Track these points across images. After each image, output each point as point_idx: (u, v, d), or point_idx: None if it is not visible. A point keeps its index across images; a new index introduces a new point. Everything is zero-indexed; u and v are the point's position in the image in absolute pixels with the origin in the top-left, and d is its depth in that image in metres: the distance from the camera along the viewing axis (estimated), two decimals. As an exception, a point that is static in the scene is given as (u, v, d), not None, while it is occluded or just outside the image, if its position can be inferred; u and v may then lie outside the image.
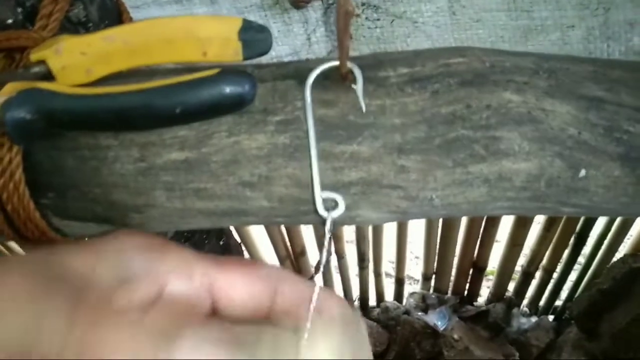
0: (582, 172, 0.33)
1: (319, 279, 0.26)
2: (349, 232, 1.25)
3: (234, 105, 0.31)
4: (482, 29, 0.42)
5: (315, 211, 0.31)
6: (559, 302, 1.43)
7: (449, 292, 1.39)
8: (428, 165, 0.32)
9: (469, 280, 1.34)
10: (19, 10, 0.36)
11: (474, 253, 1.23)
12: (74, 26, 0.39)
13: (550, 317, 1.43)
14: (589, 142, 0.32)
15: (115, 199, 0.34)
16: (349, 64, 0.32)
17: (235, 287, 0.24)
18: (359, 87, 0.31)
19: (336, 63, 0.32)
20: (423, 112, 0.32)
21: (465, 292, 1.40)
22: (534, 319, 1.41)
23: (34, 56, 0.33)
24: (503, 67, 0.33)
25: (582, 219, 1.10)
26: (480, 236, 1.18)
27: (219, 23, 0.33)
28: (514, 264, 1.24)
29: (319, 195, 0.28)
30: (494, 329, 1.36)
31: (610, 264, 1.24)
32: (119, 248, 0.24)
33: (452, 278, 1.34)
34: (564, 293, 1.40)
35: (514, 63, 0.34)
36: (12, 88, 0.32)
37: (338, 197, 0.28)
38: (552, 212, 0.35)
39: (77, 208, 0.35)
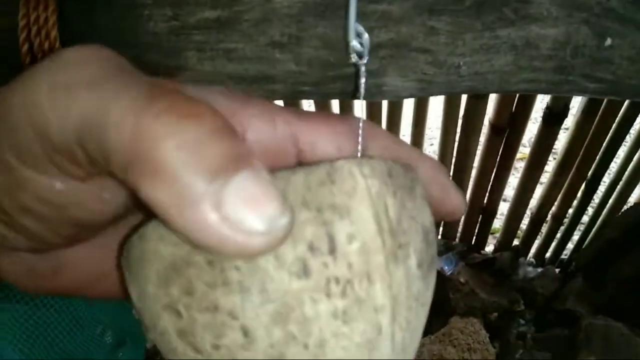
0: (608, 41, 0.33)
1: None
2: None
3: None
4: None
5: (347, 57, 0.32)
6: (564, 257, 1.45)
7: (457, 239, 1.41)
8: (457, 27, 0.32)
9: (477, 228, 1.35)
10: None
11: (484, 199, 1.24)
12: None
13: (557, 271, 1.45)
14: (616, 9, 0.32)
15: (148, 60, 0.35)
16: None
17: (320, 141, 0.22)
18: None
19: None
20: (454, -25, 0.32)
21: (473, 241, 1.42)
22: (540, 270, 1.43)
23: None
24: None
25: (593, 165, 1.10)
26: (491, 181, 1.19)
27: None
28: (524, 210, 1.25)
29: (353, 25, 0.28)
30: (500, 277, 1.38)
31: (620, 212, 1.25)
32: (203, 87, 0.21)
33: (461, 225, 1.36)
34: (570, 247, 1.42)
35: None
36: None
37: (365, 33, 0.28)
38: (576, 88, 0.36)
39: (111, 68, 0.35)
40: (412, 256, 0.20)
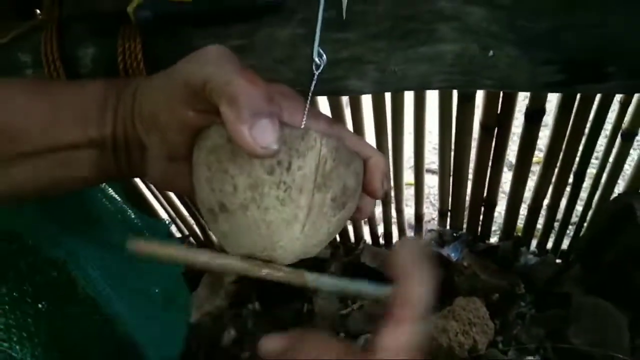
0: (491, 52, 0.51)
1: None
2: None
3: (274, 9, 0.51)
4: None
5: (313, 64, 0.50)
6: (565, 248, 1.58)
7: (464, 229, 1.57)
8: (392, 47, 0.51)
9: (481, 218, 1.51)
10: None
11: (484, 190, 1.39)
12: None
13: (558, 261, 1.58)
14: (495, 32, 0.51)
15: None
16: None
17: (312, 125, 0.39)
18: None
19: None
20: (389, 15, 0.51)
21: (479, 231, 1.57)
22: (540, 258, 1.57)
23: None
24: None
25: (577, 158, 1.25)
26: (488, 174, 1.34)
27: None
28: (520, 199, 1.40)
29: (317, 46, 0.47)
30: (502, 264, 1.53)
31: (608, 202, 1.39)
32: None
33: (466, 216, 1.51)
34: (569, 240, 1.55)
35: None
36: None
37: (324, 55, 0.47)
38: (479, 84, 0.54)
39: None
40: (330, 193, 0.35)
